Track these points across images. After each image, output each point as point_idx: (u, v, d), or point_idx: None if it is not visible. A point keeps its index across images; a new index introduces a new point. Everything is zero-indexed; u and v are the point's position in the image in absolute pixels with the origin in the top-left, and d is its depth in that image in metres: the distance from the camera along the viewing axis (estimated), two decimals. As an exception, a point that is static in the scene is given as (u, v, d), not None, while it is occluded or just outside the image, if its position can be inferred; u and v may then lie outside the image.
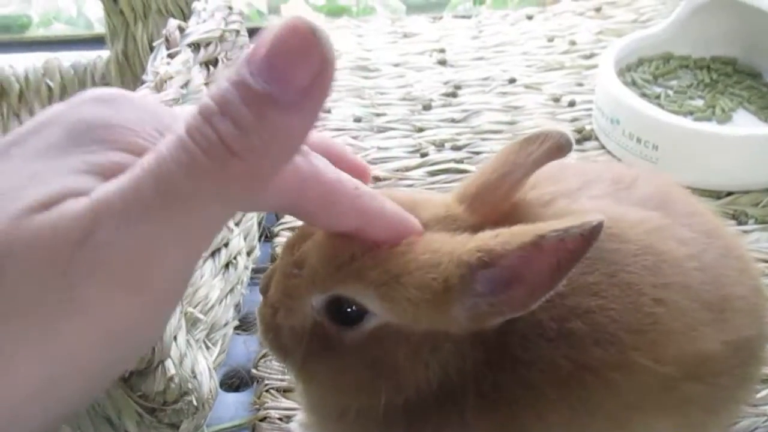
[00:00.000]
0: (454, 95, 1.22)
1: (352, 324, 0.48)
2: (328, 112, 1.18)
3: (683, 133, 0.96)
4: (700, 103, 1.11)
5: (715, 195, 0.97)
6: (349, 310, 0.48)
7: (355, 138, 1.12)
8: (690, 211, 0.58)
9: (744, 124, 1.07)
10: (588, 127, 1.11)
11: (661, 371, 0.50)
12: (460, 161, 1.06)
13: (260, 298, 0.54)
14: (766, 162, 0.96)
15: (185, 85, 0.74)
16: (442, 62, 1.31)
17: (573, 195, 0.56)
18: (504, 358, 0.49)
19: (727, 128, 1.03)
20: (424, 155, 1.08)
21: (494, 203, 0.52)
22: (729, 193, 0.97)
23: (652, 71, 1.17)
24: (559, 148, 0.53)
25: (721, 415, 0.57)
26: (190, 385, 0.66)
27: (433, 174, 1.04)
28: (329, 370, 0.50)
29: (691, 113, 1.07)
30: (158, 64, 0.72)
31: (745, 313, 0.54)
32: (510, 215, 0.52)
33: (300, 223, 0.96)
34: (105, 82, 1.11)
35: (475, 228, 0.48)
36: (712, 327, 0.52)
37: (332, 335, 0.49)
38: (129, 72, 1.03)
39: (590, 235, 0.42)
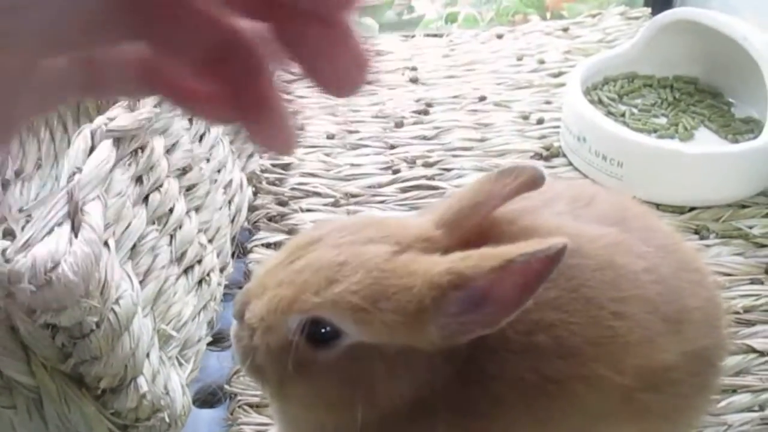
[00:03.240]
0: (425, 113, 1.24)
1: (326, 343, 0.50)
2: (302, 129, 1.20)
3: (647, 150, 0.99)
4: (663, 121, 1.14)
5: (678, 210, 1.00)
6: (323, 330, 0.49)
7: (327, 155, 1.14)
8: (646, 226, 0.60)
9: (706, 141, 1.10)
10: (556, 144, 1.14)
11: (621, 382, 0.52)
12: (431, 178, 1.08)
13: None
14: (727, 178, 1.00)
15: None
16: (414, 80, 1.34)
17: (536, 212, 0.58)
18: (473, 372, 0.51)
19: (689, 146, 1.07)
20: (396, 172, 1.09)
21: (468, 228, 0.54)
22: (691, 209, 1.00)
23: (617, 90, 1.20)
24: (532, 181, 0.56)
25: (680, 423, 0.59)
26: (162, 402, 0.67)
27: (404, 190, 1.06)
28: (305, 389, 0.52)
29: (655, 131, 1.11)
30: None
31: (701, 324, 0.57)
32: (479, 232, 0.53)
33: (275, 239, 0.96)
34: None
35: (448, 249, 0.51)
36: (669, 338, 0.54)
37: (307, 355, 0.50)
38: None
39: (555, 257, 0.45)
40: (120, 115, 0.68)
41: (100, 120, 0.66)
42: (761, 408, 0.75)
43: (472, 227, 0.54)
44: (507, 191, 0.55)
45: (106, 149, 0.64)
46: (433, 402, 0.51)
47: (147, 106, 0.70)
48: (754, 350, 0.80)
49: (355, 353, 0.49)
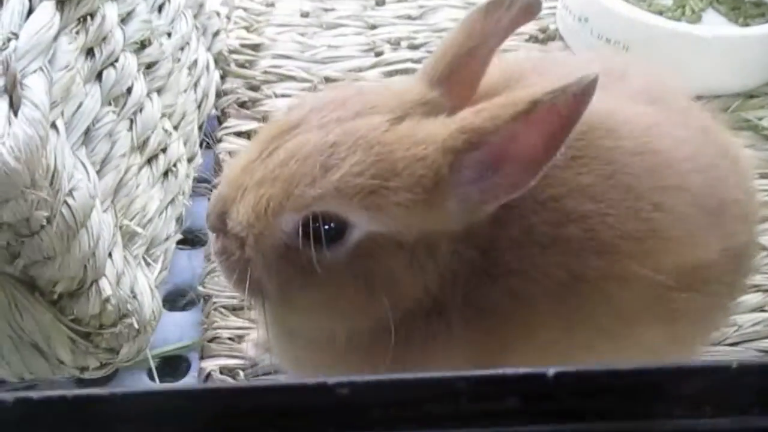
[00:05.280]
0: (409, -10, 1.13)
1: (333, 242, 0.42)
2: (272, 5, 1.08)
3: (657, 32, 0.90)
4: (669, 2, 1.05)
5: (684, 99, 0.93)
6: (326, 227, 0.42)
7: (302, 35, 1.03)
8: (684, 107, 0.54)
9: (714, 25, 1.02)
10: (552, 27, 1.04)
11: (658, 281, 0.46)
12: (418, 61, 0.98)
13: (205, 208, 0.48)
14: (738, 65, 0.92)
15: None
16: (396, -46, 1.21)
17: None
18: (496, 266, 0.45)
19: (702, 28, 0.98)
20: (378, 54, 0.99)
21: (470, 80, 0.47)
22: (698, 98, 0.93)
23: (619, -33, 1.10)
24: (527, 9, 0.48)
25: (708, 325, 0.54)
26: (129, 307, 0.59)
27: (388, 75, 0.97)
28: (314, 297, 0.45)
29: (660, 13, 1.01)
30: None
31: (740, 219, 0.51)
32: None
33: (247, 127, 0.87)
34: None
35: (453, 110, 0.44)
36: (709, 233, 0.48)
37: (311, 258, 0.42)
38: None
39: (585, 93, 0.38)
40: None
41: (38, -23, 0.55)
42: (771, 307, 0.71)
43: (476, 81, 0.48)
44: (502, 26, 0.48)
45: (47, 12, 0.53)
46: (450, 298, 0.45)
47: None
48: (764, 248, 0.75)
49: (368, 247, 0.43)
